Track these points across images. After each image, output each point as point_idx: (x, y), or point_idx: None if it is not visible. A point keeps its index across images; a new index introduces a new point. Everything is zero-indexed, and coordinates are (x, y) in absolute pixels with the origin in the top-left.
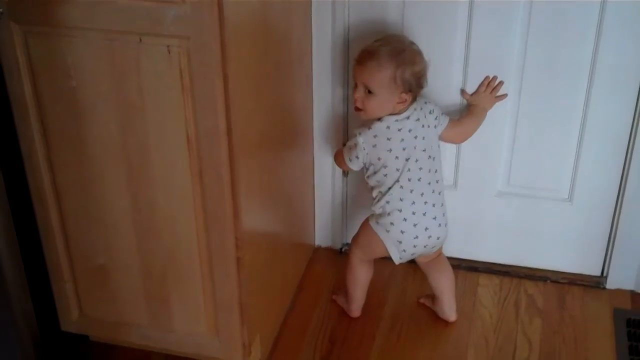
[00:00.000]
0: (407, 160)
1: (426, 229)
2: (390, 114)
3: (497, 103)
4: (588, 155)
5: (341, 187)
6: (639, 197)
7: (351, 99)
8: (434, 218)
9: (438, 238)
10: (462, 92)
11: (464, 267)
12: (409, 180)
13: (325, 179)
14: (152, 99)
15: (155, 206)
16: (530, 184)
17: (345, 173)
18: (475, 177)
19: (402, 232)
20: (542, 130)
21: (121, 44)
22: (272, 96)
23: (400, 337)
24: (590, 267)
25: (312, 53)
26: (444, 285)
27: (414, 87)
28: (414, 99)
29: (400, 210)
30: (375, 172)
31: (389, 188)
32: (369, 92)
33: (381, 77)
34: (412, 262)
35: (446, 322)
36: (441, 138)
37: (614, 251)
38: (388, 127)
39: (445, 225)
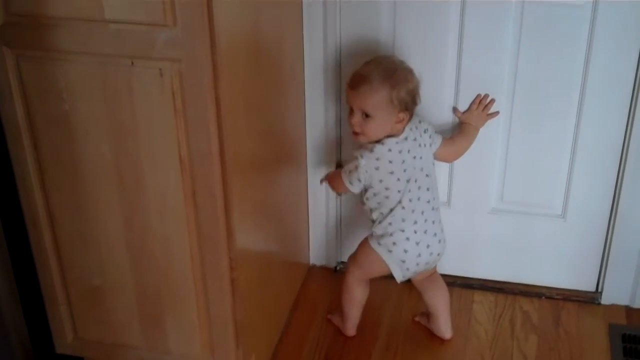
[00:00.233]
0: (407, 181)
1: (428, 246)
2: (390, 136)
3: (489, 120)
4: (581, 172)
5: (335, 205)
6: (632, 212)
7: (344, 118)
8: (435, 235)
9: (438, 254)
10: (454, 110)
11: (458, 284)
12: (410, 200)
13: (319, 197)
14: (145, 122)
15: (148, 227)
16: (524, 201)
17: (339, 192)
18: (468, 195)
19: (405, 251)
20: (534, 147)
21: (113, 68)
22: (264, 117)
23: (397, 356)
24: (584, 283)
25: (304, 73)
26: (439, 302)
27: (410, 105)
28: (411, 117)
29: (402, 231)
30: (375, 194)
31: (391, 209)
32: (367, 115)
33: (377, 99)
34: (407, 281)
35: (442, 340)
36: (434, 157)
37: (608, 267)
38: (390, 150)
39: (444, 240)
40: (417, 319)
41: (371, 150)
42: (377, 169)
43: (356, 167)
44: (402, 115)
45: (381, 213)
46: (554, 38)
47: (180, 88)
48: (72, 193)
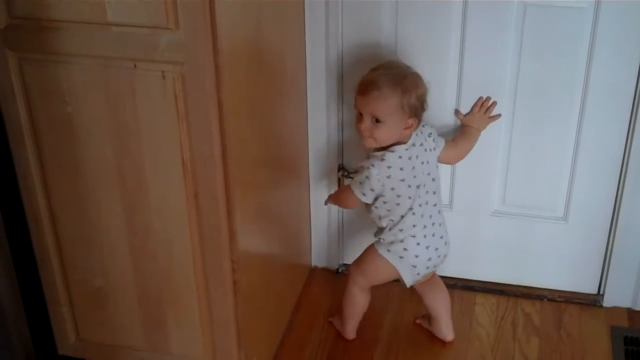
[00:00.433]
0: (417, 187)
1: (436, 249)
2: (398, 143)
3: (491, 123)
4: (582, 174)
5: (337, 207)
6: (634, 215)
7: (346, 121)
8: (441, 237)
9: (445, 256)
10: (456, 112)
11: (460, 286)
12: (420, 206)
13: (321, 199)
14: (147, 124)
15: (151, 229)
16: (526, 203)
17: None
18: (470, 197)
19: (416, 256)
20: (536, 149)
21: (116, 70)
22: (266, 119)
23: (398, 358)
24: (586, 285)
25: (307, 76)
26: (440, 305)
27: (419, 111)
28: (419, 124)
29: (413, 236)
30: (385, 202)
31: (402, 216)
32: (377, 121)
33: (389, 105)
34: None
35: (443, 342)
36: (437, 160)
37: (610, 269)
38: (400, 157)
39: (449, 242)
40: (418, 321)
41: (382, 159)
42: (388, 177)
43: (367, 177)
44: (411, 121)
45: (391, 220)
46: (556, 40)
47: (183, 91)
48: (74, 195)
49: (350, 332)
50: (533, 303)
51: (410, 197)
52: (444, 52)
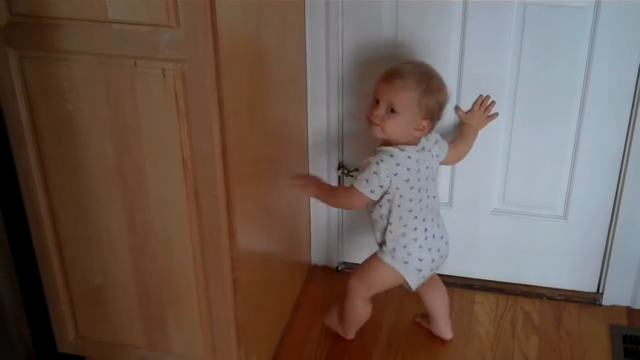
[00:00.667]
0: (419, 190)
1: (438, 250)
2: (408, 144)
3: (489, 122)
4: (582, 173)
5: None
6: (634, 213)
7: (346, 119)
8: (442, 237)
9: (446, 256)
10: (457, 109)
11: (459, 284)
12: (421, 209)
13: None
14: (148, 122)
15: (151, 228)
16: (525, 202)
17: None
18: (470, 196)
19: (420, 259)
20: (536, 148)
21: (116, 68)
22: (267, 118)
23: (397, 357)
24: (586, 283)
25: (307, 76)
26: (439, 303)
27: (434, 117)
28: (431, 130)
29: (415, 240)
30: (389, 200)
31: (403, 219)
32: (392, 111)
33: (409, 97)
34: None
35: (443, 341)
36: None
37: (609, 267)
38: (409, 157)
39: (449, 241)
40: (417, 320)
41: (391, 155)
42: (395, 174)
43: (375, 173)
44: (424, 123)
45: (390, 223)
46: (556, 40)
47: (183, 89)
48: (74, 193)
49: (351, 334)
50: (532, 301)
51: (411, 200)
52: (444, 52)
